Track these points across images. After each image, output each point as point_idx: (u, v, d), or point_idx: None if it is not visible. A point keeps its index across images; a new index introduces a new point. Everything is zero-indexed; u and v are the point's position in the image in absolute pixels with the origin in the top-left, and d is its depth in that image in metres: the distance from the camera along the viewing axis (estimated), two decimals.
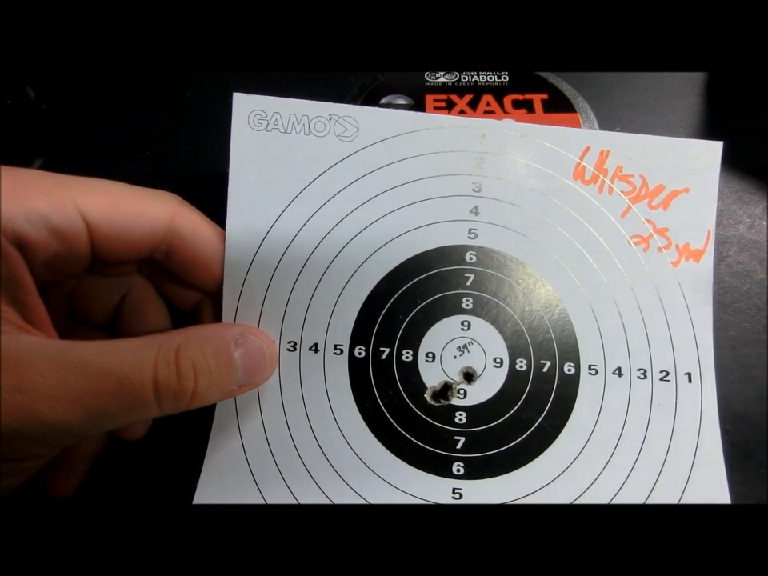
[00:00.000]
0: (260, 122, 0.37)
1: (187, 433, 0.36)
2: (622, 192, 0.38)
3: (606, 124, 0.48)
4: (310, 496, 0.36)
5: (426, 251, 0.38)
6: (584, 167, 0.38)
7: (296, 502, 0.36)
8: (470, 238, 0.38)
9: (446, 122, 0.38)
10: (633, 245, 0.38)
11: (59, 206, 0.31)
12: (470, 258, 0.38)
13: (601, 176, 0.38)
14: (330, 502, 0.36)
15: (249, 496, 0.36)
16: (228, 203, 0.37)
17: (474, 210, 0.38)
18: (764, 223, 0.46)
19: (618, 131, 0.38)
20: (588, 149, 0.38)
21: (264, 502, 0.36)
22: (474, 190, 0.38)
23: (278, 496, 0.36)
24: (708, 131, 0.50)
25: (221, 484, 0.36)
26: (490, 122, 0.38)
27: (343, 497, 0.36)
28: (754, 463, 0.38)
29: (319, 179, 0.38)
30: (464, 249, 0.38)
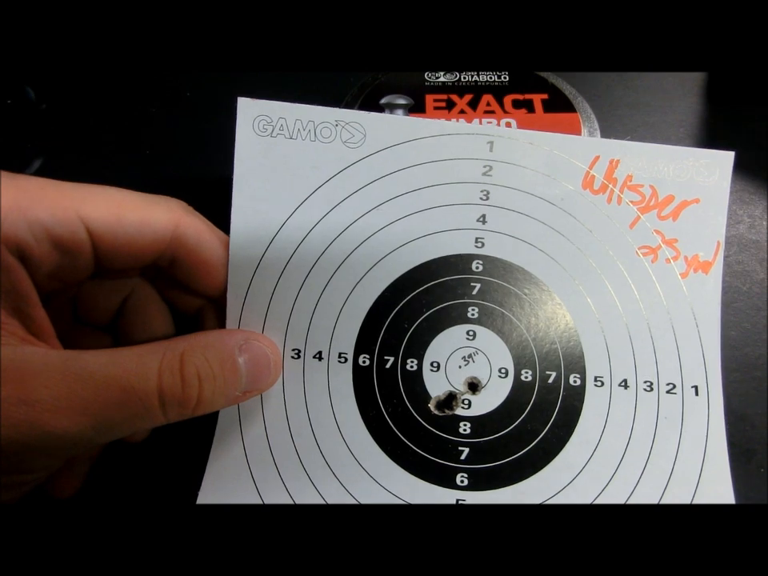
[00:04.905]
0: (265, 127, 0.37)
1: (190, 435, 0.36)
2: (631, 202, 0.37)
3: (606, 124, 0.48)
4: (311, 502, 0.36)
5: (433, 260, 0.38)
6: (593, 176, 0.37)
7: None
8: (476, 246, 0.38)
9: (454, 129, 0.38)
10: (641, 255, 0.37)
11: (62, 217, 0.31)
12: (477, 267, 0.38)
13: (610, 185, 0.37)
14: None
15: (251, 502, 0.36)
16: (232, 210, 0.37)
17: (482, 219, 0.38)
18: (764, 223, 0.46)
19: (629, 140, 0.38)
20: (597, 158, 0.37)
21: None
22: (481, 199, 0.38)
23: (279, 502, 0.36)
24: (707, 131, 0.51)
25: (223, 490, 0.36)
26: (498, 129, 0.38)
27: None
28: (754, 463, 0.39)
29: (325, 186, 0.37)
30: (470, 258, 0.38)
